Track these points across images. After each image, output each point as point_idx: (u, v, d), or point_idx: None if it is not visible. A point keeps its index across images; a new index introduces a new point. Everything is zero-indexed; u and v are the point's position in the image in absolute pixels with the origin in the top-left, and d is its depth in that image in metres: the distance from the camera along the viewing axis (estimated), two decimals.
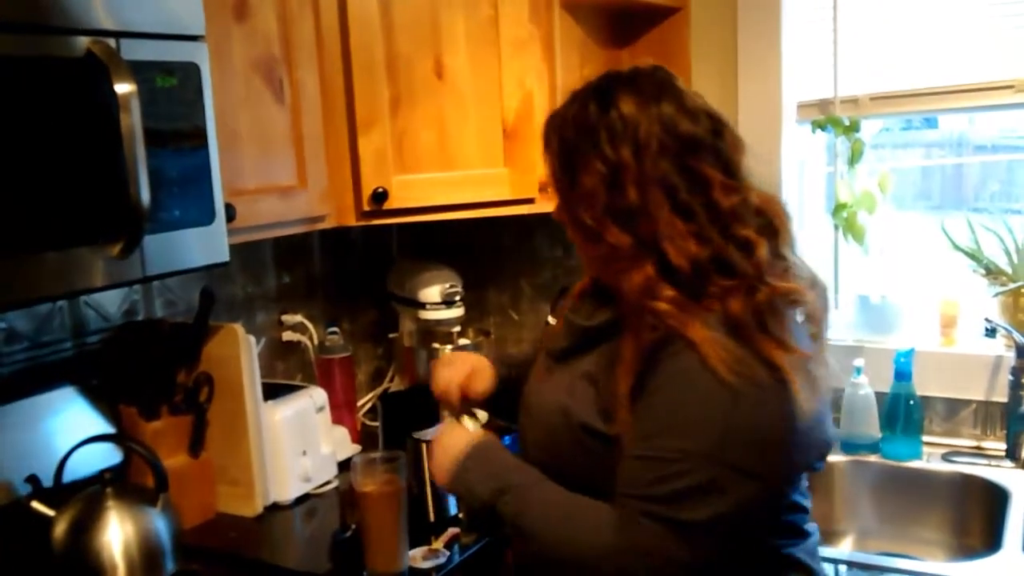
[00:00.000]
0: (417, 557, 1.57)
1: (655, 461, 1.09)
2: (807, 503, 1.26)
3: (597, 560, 1.13)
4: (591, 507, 1.17)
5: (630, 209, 1.14)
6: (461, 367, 1.45)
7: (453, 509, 1.71)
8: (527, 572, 1.29)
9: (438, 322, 2.16)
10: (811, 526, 1.27)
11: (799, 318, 1.16)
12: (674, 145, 1.15)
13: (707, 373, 1.07)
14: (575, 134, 1.20)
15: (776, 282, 1.13)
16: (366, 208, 1.85)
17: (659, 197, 1.13)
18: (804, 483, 1.26)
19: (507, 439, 1.58)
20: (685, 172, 1.14)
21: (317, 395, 1.95)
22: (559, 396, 1.26)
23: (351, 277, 2.38)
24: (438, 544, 1.61)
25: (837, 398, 2.11)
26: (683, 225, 1.13)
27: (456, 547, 1.62)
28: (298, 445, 1.86)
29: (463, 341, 2.23)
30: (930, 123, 2.40)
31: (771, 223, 1.19)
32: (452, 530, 1.64)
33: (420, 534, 1.62)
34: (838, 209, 2.08)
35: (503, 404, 1.46)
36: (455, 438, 1.32)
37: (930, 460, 2.03)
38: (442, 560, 1.57)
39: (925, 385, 2.06)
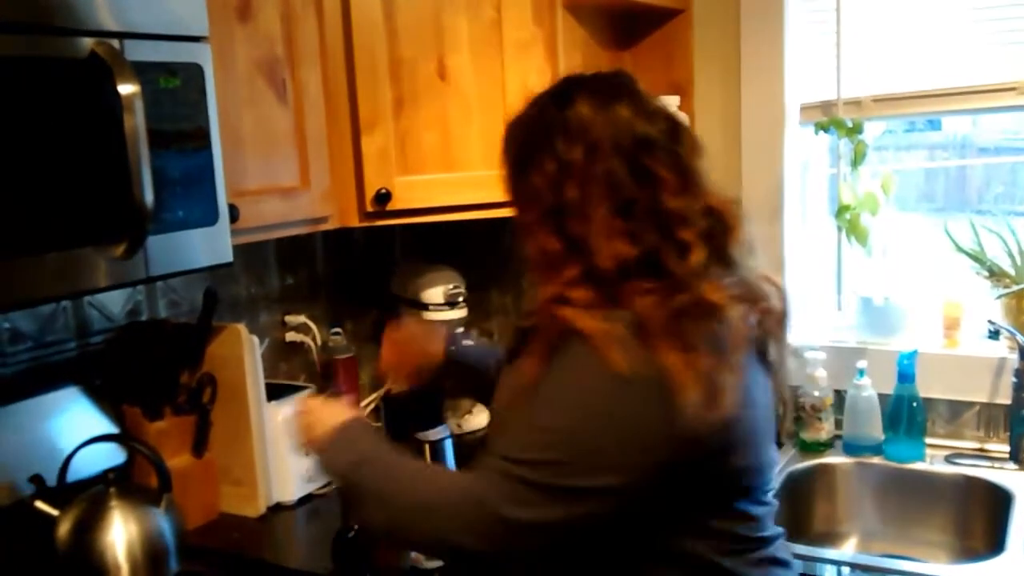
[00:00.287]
0: (420, 557, 1.57)
1: (523, 431, 1.11)
2: (758, 511, 1.19)
3: (438, 509, 1.14)
4: (448, 471, 1.22)
5: (567, 208, 1.14)
6: (408, 358, 1.52)
7: None
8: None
9: (441, 323, 2.17)
10: (769, 535, 1.21)
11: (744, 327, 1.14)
12: (628, 144, 1.14)
13: (593, 360, 1.06)
14: (530, 135, 1.21)
15: (703, 290, 1.11)
16: (369, 209, 1.85)
17: (601, 194, 1.13)
18: (766, 494, 1.21)
19: None
20: (636, 171, 1.14)
21: None
22: (501, 395, 1.28)
23: (354, 278, 2.38)
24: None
25: (840, 400, 2.12)
26: (621, 224, 1.12)
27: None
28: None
29: (466, 343, 2.23)
30: (933, 125, 2.39)
31: (722, 227, 1.17)
32: None
33: None
34: (841, 211, 2.08)
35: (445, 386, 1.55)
36: (331, 413, 1.30)
37: (933, 462, 2.03)
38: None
39: (928, 387, 2.06)
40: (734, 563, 1.16)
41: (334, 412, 1.31)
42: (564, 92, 1.21)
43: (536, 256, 1.19)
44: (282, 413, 1.83)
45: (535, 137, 1.20)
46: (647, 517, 1.11)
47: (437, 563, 1.56)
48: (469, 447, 2.09)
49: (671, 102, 2.18)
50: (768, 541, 1.20)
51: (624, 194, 1.13)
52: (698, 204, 1.16)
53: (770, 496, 1.23)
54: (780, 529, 1.25)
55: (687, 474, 1.09)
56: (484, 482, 1.11)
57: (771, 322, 1.19)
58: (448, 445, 1.70)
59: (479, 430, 2.21)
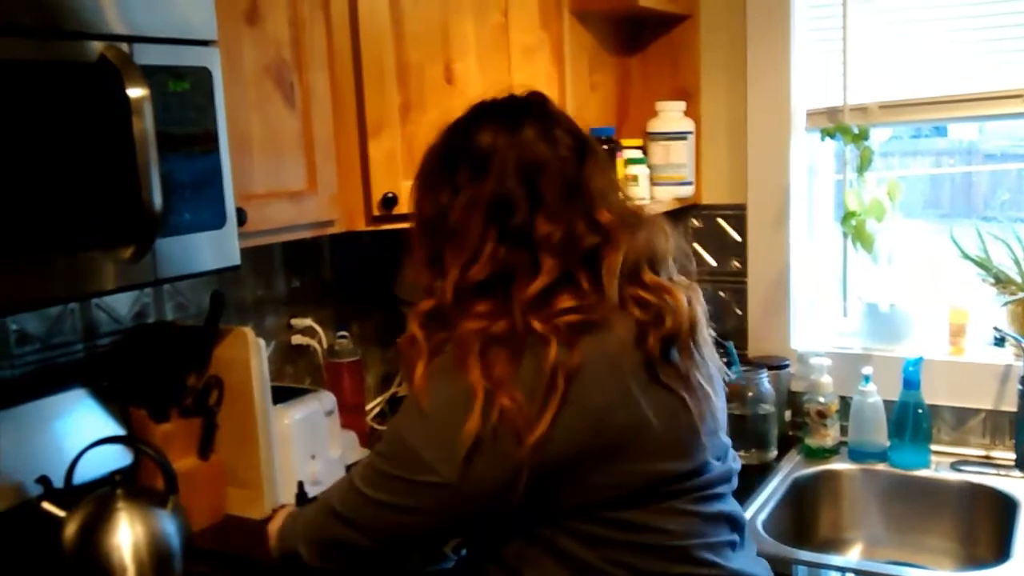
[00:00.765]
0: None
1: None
2: (669, 524, 1.17)
3: (293, 538, 1.35)
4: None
5: (447, 234, 1.19)
6: None
7: None
8: None
9: None
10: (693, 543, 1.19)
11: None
12: (521, 168, 1.17)
13: (411, 398, 1.17)
14: (433, 163, 1.25)
15: (530, 318, 1.12)
16: (376, 213, 1.86)
17: (479, 219, 1.16)
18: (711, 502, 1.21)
19: None
20: (522, 195, 1.16)
21: (326, 399, 1.95)
22: None
23: (360, 282, 2.38)
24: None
25: (845, 406, 2.12)
26: (488, 246, 1.16)
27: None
28: (307, 448, 1.86)
29: None
30: (939, 131, 2.40)
31: (607, 246, 1.17)
32: None
33: None
34: (847, 217, 2.08)
35: None
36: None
37: (938, 469, 2.03)
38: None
39: (934, 394, 2.06)
40: (649, 564, 1.16)
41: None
42: (470, 119, 1.25)
43: (417, 287, 1.25)
44: (288, 416, 1.84)
45: (435, 165, 1.24)
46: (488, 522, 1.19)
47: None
48: None
49: (677, 107, 2.19)
50: (683, 550, 1.18)
51: (503, 218, 1.16)
52: (581, 225, 1.17)
53: (703, 504, 1.20)
54: (723, 537, 1.22)
55: (489, 494, 1.13)
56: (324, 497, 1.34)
57: (667, 334, 1.17)
58: None
59: None
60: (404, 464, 1.16)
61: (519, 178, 1.17)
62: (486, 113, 1.25)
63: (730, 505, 1.25)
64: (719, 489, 1.23)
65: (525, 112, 1.23)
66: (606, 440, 1.13)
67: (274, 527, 1.48)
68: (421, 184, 1.26)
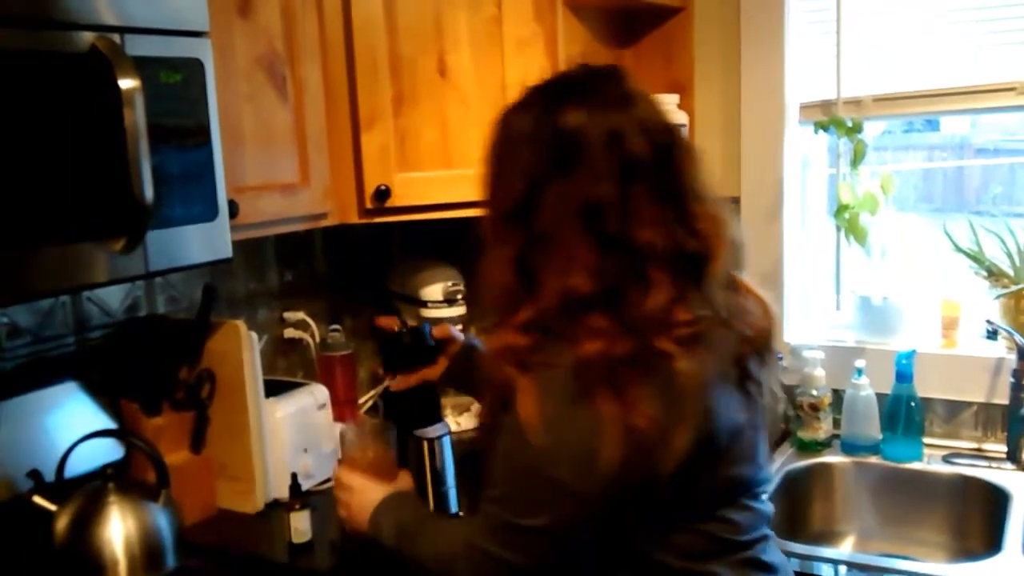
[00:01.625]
0: None
1: (489, 479, 1.17)
2: (740, 516, 1.19)
3: (451, 558, 1.23)
4: (454, 527, 1.36)
5: (536, 235, 1.10)
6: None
7: (454, 506, 1.71)
8: None
9: (440, 320, 2.16)
10: (753, 538, 1.21)
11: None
12: (615, 167, 1.08)
13: (522, 423, 1.08)
14: (509, 140, 1.16)
15: (654, 338, 1.07)
16: (368, 206, 1.85)
17: (576, 223, 1.08)
18: (759, 500, 1.23)
19: None
20: (618, 198, 1.08)
21: (319, 392, 1.95)
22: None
23: (353, 275, 2.38)
24: None
25: (838, 399, 2.12)
26: (589, 257, 1.08)
27: None
28: (299, 442, 1.86)
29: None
30: (932, 125, 2.40)
31: (705, 253, 1.13)
32: None
33: None
34: (840, 210, 2.08)
35: None
36: (372, 496, 1.42)
37: (931, 462, 2.03)
38: None
39: (926, 387, 2.06)
40: (710, 567, 1.16)
41: (375, 494, 1.42)
42: (556, 94, 1.15)
43: (492, 288, 1.16)
44: (280, 409, 1.83)
45: (511, 149, 1.15)
46: (604, 540, 1.14)
47: None
48: (468, 444, 2.09)
49: (671, 100, 2.19)
50: (749, 544, 1.20)
51: (599, 223, 1.08)
52: (680, 231, 1.11)
53: (758, 502, 1.22)
54: (765, 532, 1.24)
55: (629, 508, 1.10)
56: (478, 533, 1.18)
57: (751, 342, 1.17)
58: (447, 442, 1.70)
59: (478, 428, 2.21)
60: (541, 492, 1.11)
61: (614, 176, 1.08)
62: (572, 89, 1.14)
63: (768, 504, 1.27)
64: (766, 488, 1.26)
65: (614, 93, 1.13)
66: (718, 446, 1.12)
67: (367, 513, 1.41)
68: (496, 170, 1.17)
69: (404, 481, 1.54)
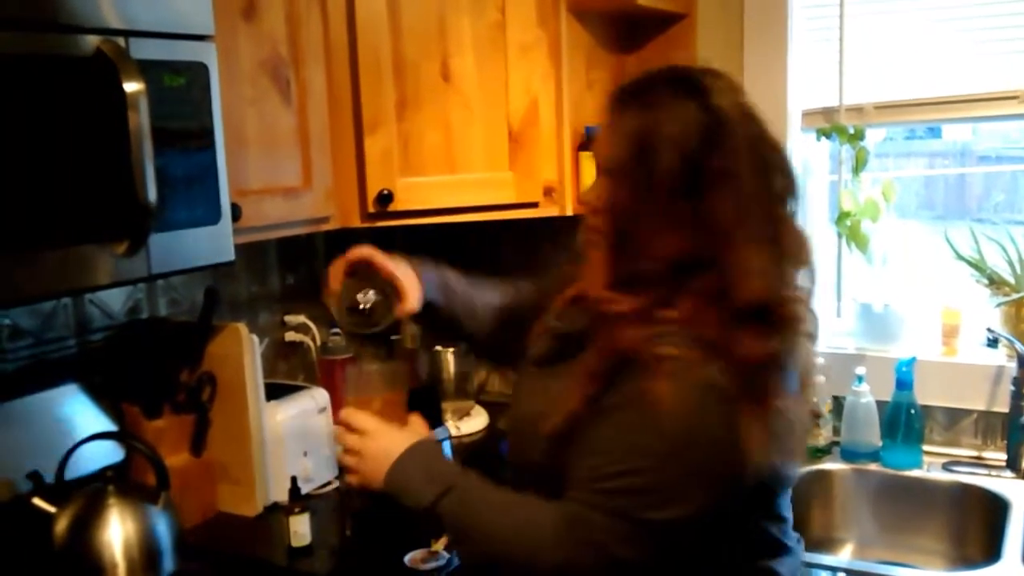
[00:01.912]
0: (417, 559, 1.57)
1: (609, 456, 1.09)
2: (788, 514, 1.24)
3: (539, 553, 1.11)
4: (535, 504, 1.16)
5: (713, 227, 1.09)
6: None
7: None
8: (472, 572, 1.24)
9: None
10: (793, 540, 1.25)
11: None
12: (761, 165, 1.11)
13: (664, 404, 1.05)
14: (658, 125, 1.11)
15: (791, 332, 1.11)
16: (371, 210, 1.85)
17: (759, 214, 1.10)
18: (786, 498, 1.25)
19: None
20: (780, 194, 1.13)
21: (319, 396, 1.95)
22: (536, 403, 1.24)
23: None
24: (438, 546, 1.61)
25: (838, 406, 2.12)
26: (766, 256, 1.09)
27: (455, 550, 1.62)
28: (299, 445, 1.86)
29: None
30: (934, 133, 2.40)
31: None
32: None
33: (420, 536, 1.62)
34: (842, 217, 2.08)
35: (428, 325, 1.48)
36: (391, 440, 1.25)
37: (930, 469, 2.03)
38: (442, 563, 1.57)
39: (926, 394, 2.06)
40: (769, 564, 1.20)
41: (395, 439, 1.25)
42: (694, 81, 1.13)
43: (648, 263, 1.12)
44: (281, 412, 1.83)
45: (665, 128, 1.10)
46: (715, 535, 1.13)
47: (435, 565, 1.56)
48: (467, 449, 2.10)
49: None
50: (792, 549, 1.24)
51: (772, 221, 1.11)
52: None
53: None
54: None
55: (745, 497, 1.12)
56: (582, 523, 1.09)
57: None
58: (447, 447, 1.70)
59: (477, 432, 2.21)
60: (672, 483, 1.07)
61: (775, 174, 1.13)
62: (707, 76, 1.14)
63: None
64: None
65: (724, 79, 1.15)
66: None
67: (388, 463, 1.23)
68: (641, 150, 1.11)
69: (419, 427, 1.35)
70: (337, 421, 1.32)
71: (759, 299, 1.07)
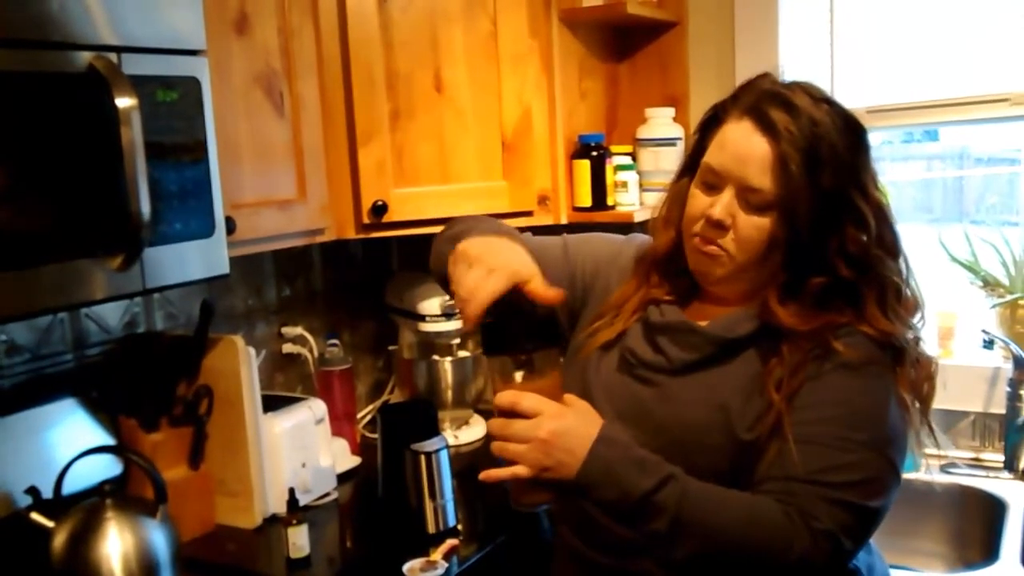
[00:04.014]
0: (415, 569, 1.57)
1: (827, 448, 1.14)
2: None
3: (778, 545, 1.09)
4: (747, 496, 1.13)
5: (883, 260, 1.28)
6: (499, 276, 1.14)
7: (452, 520, 1.71)
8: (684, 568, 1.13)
9: (438, 334, 2.17)
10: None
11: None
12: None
13: (867, 400, 1.19)
14: (844, 164, 1.26)
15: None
16: (366, 221, 1.86)
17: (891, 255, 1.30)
18: None
19: None
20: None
21: (317, 407, 1.95)
22: (698, 411, 1.21)
23: (351, 289, 2.38)
24: (436, 556, 1.61)
25: None
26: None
27: (455, 559, 1.62)
28: (297, 457, 1.86)
29: (463, 353, 2.24)
30: (931, 136, 2.41)
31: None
32: (451, 541, 1.64)
33: (418, 546, 1.63)
34: None
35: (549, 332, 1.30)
36: (581, 421, 1.11)
37: (928, 471, 2.02)
38: (440, 572, 1.57)
39: None
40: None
41: (576, 419, 1.11)
42: (858, 128, 1.30)
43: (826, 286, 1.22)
44: (278, 424, 1.83)
45: (850, 169, 1.27)
46: None
47: (434, 574, 1.56)
48: (465, 459, 2.10)
49: (666, 114, 2.20)
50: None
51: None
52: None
53: None
54: None
55: None
56: (818, 516, 1.11)
57: None
58: (444, 456, 1.70)
59: (476, 441, 2.21)
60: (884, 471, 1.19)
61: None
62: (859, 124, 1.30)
63: None
64: None
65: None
66: None
67: (584, 449, 1.09)
68: (835, 188, 1.25)
69: (586, 407, 1.15)
70: (498, 406, 1.12)
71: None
